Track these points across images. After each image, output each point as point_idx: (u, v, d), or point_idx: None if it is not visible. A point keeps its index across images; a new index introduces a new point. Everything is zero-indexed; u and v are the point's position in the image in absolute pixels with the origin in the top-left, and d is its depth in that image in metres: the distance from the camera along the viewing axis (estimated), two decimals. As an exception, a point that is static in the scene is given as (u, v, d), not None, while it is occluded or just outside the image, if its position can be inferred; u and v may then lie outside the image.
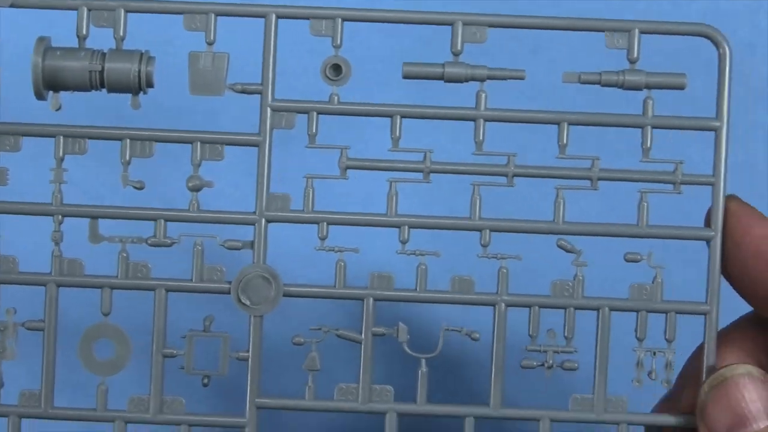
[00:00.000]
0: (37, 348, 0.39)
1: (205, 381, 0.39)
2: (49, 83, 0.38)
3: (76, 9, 0.38)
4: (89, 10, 0.38)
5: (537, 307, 0.39)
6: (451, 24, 0.38)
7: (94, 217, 0.39)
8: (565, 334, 0.39)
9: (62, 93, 0.38)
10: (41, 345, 0.39)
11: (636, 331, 0.39)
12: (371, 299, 0.39)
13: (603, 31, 0.38)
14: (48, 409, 0.39)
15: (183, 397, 0.39)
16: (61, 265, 0.39)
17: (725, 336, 0.40)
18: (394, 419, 0.39)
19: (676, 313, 0.39)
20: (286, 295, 0.38)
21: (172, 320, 0.39)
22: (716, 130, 0.38)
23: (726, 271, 0.38)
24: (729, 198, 0.38)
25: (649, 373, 0.39)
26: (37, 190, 0.39)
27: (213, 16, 0.38)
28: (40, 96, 0.38)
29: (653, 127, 0.38)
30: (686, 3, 0.54)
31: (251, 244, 0.39)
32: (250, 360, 0.38)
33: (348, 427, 0.42)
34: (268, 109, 0.38)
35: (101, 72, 0.38)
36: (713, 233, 0.38)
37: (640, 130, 0.38)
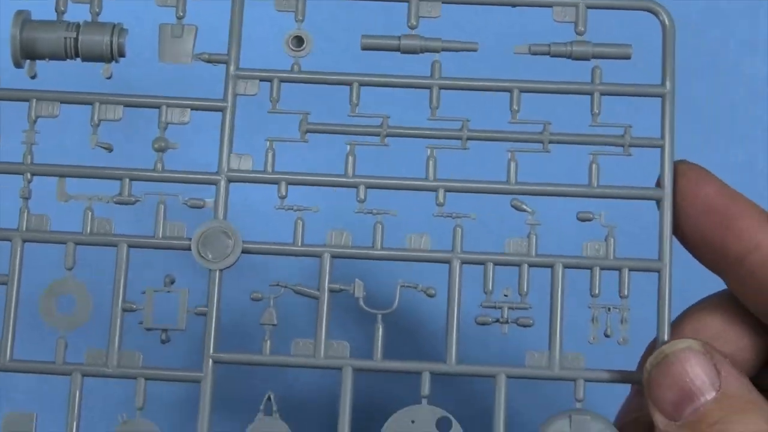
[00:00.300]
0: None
1: (164, 337, 0.39)
2: (27, 52, 0.40)
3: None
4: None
5: (491, 264, 0.39)
6: (408, 1, 0.41)
7: (62, 176, 0.40)
8: (520, 291, 0.39)
9: (40, 64, 0.40)
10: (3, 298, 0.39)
11: (590, 288, 0.39)
12: (328, 255, 0.39)
13: (551, 6, 0.41)
14: (6, 362, 0.39)
15: (143, 354, 0.39)
16: (28, 220, 0.40)
17: (691, 313, 0.40)
18: (349, 374, 0.39)
19: (629, 270, 0.39)
20: (245, 251, 0.39)
21: (133, 279, 0.40)
22: (663, 96, 0.40)
23: (678, 231, 0.39)
24: (679, 161, 0.39)
25: (605, 331, 0.39)
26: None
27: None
28: (18, 65, 0.40)
29: (602, 94, 0.40)
30: (686, 3, 0.55)
31: (213, 203, 0.40)
32: (208, 314, 0.39)
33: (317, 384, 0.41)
34: (233, 77, 0.40)
35: (76, 40, 0.40)
36: (663, 193, 0.39)
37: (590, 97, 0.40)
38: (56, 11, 0.41)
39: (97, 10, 0.41)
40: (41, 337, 0.40)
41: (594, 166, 0.40)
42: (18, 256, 0.40)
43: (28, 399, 0.41)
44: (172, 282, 0.40)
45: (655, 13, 0.40)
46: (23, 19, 0.40)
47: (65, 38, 0.40)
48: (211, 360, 0.39)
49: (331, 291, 0.39)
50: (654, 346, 0.38)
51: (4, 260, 0.40)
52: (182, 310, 0.39)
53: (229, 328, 0.41)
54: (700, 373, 0.35)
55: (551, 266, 0.39)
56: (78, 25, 0.40)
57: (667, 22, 0.40)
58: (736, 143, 0.54)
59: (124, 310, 0.39)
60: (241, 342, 0.41)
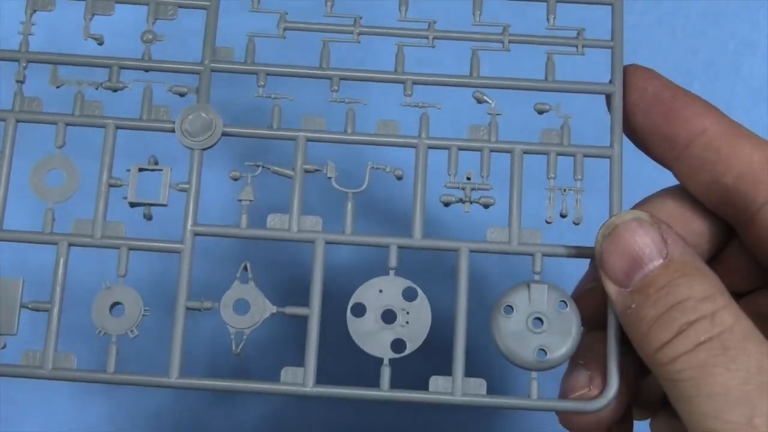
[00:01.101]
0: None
1: (147, 212, 0.42)
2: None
3: None
4: None
5: (455, 149, 0.42)
6: None
7: (55, 63, 0.43)
8: (482, 173, 0.42)
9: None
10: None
11: (546, 171, 0.42)
12: (303, 138, 0.42)
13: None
14: (-2, 233, 0.42)
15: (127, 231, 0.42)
16: (22, 103, 0.42)
17: (645, 201, 0.43)
18: (321, 246, 0.41)
19: (583, 156, 0.42)
20: (225, 134, 0.42)
21: (119, 164, 0.42)
22: (613, 4, 0.43)
23: (628, 127, 0.42)
24: (630, 64, 0.43)
25: (561, 212, 0.42)
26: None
27: None
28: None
29: (557, 1, 0.43)
30: (686, 3, 0.58)
31: (196, 90, 0.42)
32: (188, 190, 0.41)
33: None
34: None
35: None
36: (614, 87, 0.42)
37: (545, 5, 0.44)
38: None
39: None
40: (31, 213, 0.42)
41: (550, 63, 0.43)
42: (10, 135, 0.42)
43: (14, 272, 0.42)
44: (156, 163, 0.42)
45: None
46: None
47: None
48: (190, 232, 0.41)
49: (305, 171, 0.42)
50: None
51: None
52: (165, 186, 0.42)
53: (209, 207, 0.43)
54: (648, 242, 0.38)
55: (511, 151, 0.42)
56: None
57: None
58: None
59: (110, 185, 0.42)
60: (221, 219, 0.43)
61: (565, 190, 0.42)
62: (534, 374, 0.40)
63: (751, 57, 0.60)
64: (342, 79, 0.43)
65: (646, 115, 0.42)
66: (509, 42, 0.43)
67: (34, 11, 0.43)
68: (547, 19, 0.43)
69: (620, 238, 0.38)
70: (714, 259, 0.43)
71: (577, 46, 0.43)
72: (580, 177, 0.42)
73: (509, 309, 0.40)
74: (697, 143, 0.41)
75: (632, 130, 0.42)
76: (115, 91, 0.42)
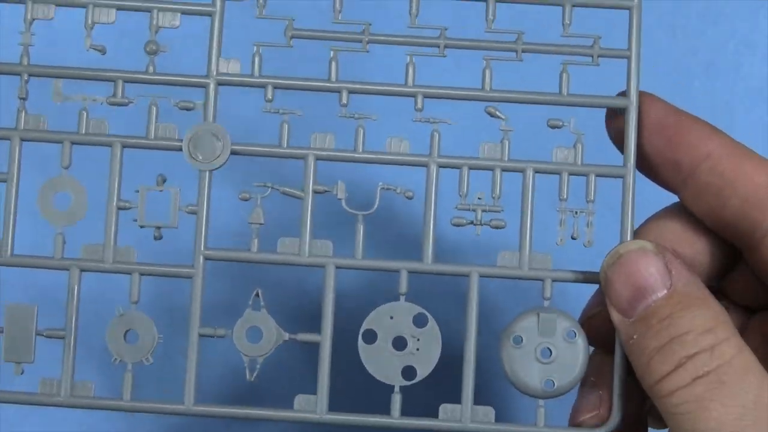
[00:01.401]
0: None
1: (157, 234, 0.42)
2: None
3: None
4: None
5: (466, 168, 0.42)
6: None
7: (58, 77, 0.42)
8: (493, 194, 0.42)
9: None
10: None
11: (558, 192, 0.42)
12: (312, 157, 0.41)
13: None
14: (7, 257, 0.41)
15: (137, 250, 0.42)
16: (26, 120, 0.42)
17: (651, 220, 0.42)
18: (332, 271, 0.41)
19: (596, 175, 0.41)
20: (234, 153, 0.41)
21: (127, 179, 0.42)
22: (631, 9, 0.42)
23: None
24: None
25: (572, 234, 0.42)
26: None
27: None
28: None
29: (573, 6, 0.42)
30: (686, 3, 0.57)
31: (203, 105, 0.42)
32: (198, 213, 0.41)
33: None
34: (222, -18, 0.42)
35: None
36: (629, 101, 0.41)
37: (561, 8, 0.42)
38: None
39: None
40: (40, 233, 0.42)
41: (564, 75, 0.42)
42: (16, 155, 0.41)
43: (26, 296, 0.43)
44: (164, 181, 0.42)
45: None
46: None
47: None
48: (202, 257, 0.41)
49: (315, 192, 0.41)
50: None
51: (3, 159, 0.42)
52: (174, 208, 0.41)
53: (219, 226, 0.43)
54: (652, 272, 0.38)
55: (522, 171, 0.42)
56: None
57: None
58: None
59: (119, 208, 0.41)
60: (231, 240, 0.43)
61: (576, 213, 0.41)
62: (541, 402, 0.41)
63: (751, 57, 0.59)
64: (351, 92, 0.42)
65: (650, 141, 0.41)
66: (523, 51, 0.42)
67: (33, 20, 0.42)
68: (563, 25, 0.42)
69: (624, 267, 0.39)
70: (724, 278, 0.43)
71: (592, 56, 0.42)
72: (592, 199, 0.41)
73: (518, 339, 0.40)
74: (702, 168, 0.40)
75: (637, 159, 0.41)
76: (120, 106, 0.42)
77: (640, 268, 0.38)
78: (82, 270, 0.41)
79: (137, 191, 0.41)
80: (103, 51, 0.42)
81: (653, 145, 0.41)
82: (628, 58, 0.41)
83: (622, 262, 0.39)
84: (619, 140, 0.41)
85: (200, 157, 0.41)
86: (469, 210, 0.42)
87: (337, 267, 0.41)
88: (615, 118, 0.42)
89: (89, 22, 0.42)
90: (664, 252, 0.39)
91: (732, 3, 0.58)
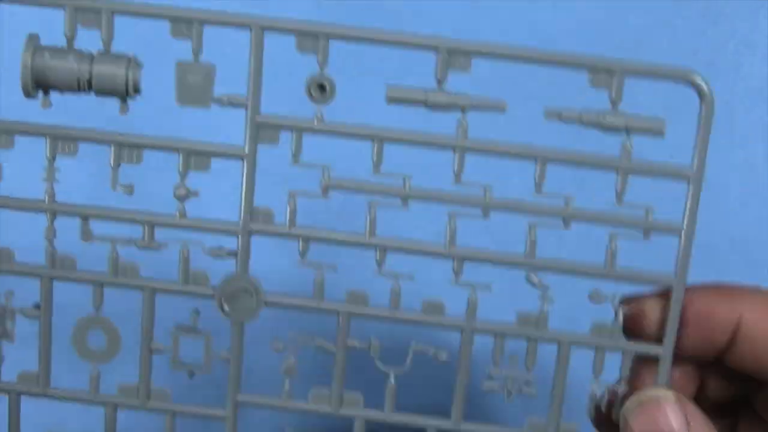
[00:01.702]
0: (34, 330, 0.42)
1: (190, 373, 0.42)
2: (38, 82, 0.39)
3: (62, 7, 0.39)
4: (75, 9, 0.39)
5: (501, 338, 0.41)
6: (435, 49, 0.39)
7: (85, 217, 0.41)
8: (526, 364, 0.41)
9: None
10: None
11: (593, 367, 0.41)
12: (347, 314, 0.41)
13: (586, 67, 0.39)
14: (45, 389, 0.42)
15: (168, 383, 0.42)
16: (54, 261, 0.41)
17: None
18: (362, 425, 0.42)
19: (633, 354, 0.40)
20: (267, 305, 0.41)
21: (161, 310, 0.41)
22: (689, 180, 0.39)
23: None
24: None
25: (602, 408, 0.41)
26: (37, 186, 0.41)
27: (198, 24, 0.39)
28: (28, 94, 0.39)
29: (628, 173, 0.39)
30: (686, 3, 0.54)
31: (235, 254, 0.40)
32: (231, 362, 0.41)
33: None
34: (253, 124, 0.39)
35: (89, 74, 0.39)
36: (677, 280, 0.39)
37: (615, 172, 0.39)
38: (65, 36, 0.39)
39: (109, 36, 0.39)
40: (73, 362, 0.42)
41: (613, 247, 0.40)
42: (48, 295, 0.41)
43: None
44: (198, 314, 0.41)
45: (697, 89, 0.38)
46: (34, 45, 0.39)
47: (78, 72, 0.39)
48: (233, 401, 0.41)
49: (347, 347, 0.41)
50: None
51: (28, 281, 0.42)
52: (207, 355, 0.41)
53: (249, 361, 0.43)
54: (671, 422, 0.38)
55: (558, 343, 0.41)
56: (92, 57, 0.39)
57: (709, 98, 0.38)
58: (736, 143, 0.53)
59: (152, 352, 0.41)
60: (262, 377, 0.43)
61: (608, 390, 0.41)
62: None
63: (751, 57, 0.57)
64: (387, 250, 0.40)
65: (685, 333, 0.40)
66: (571, 219, 0.40)
67: (55, 155, 0.40)
68: (616, 194, 0.39)
69: (644, 416, 0.39)
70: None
71: (644, 230, 0.40)
72: (627, 375, 0.40)
73: None
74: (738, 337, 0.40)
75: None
76: (149, 249, 0.41)
77: (660, 418, 0.38)
78: (117, 407, 0.42)
79: (171, 333, 0.41)
80: (130, 191, 0.40)
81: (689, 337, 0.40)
82: (680, 234, 0.39)
83: (643, 409, 0.39)
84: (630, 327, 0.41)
85: (233, 311, 0.40)
86: (500, 376, 0.41)
87: (367, 420, 0.42)
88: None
89: (114, 162, 0.40)
90: (683, 402, 0.39)
91: (732, 3, 0.56)
